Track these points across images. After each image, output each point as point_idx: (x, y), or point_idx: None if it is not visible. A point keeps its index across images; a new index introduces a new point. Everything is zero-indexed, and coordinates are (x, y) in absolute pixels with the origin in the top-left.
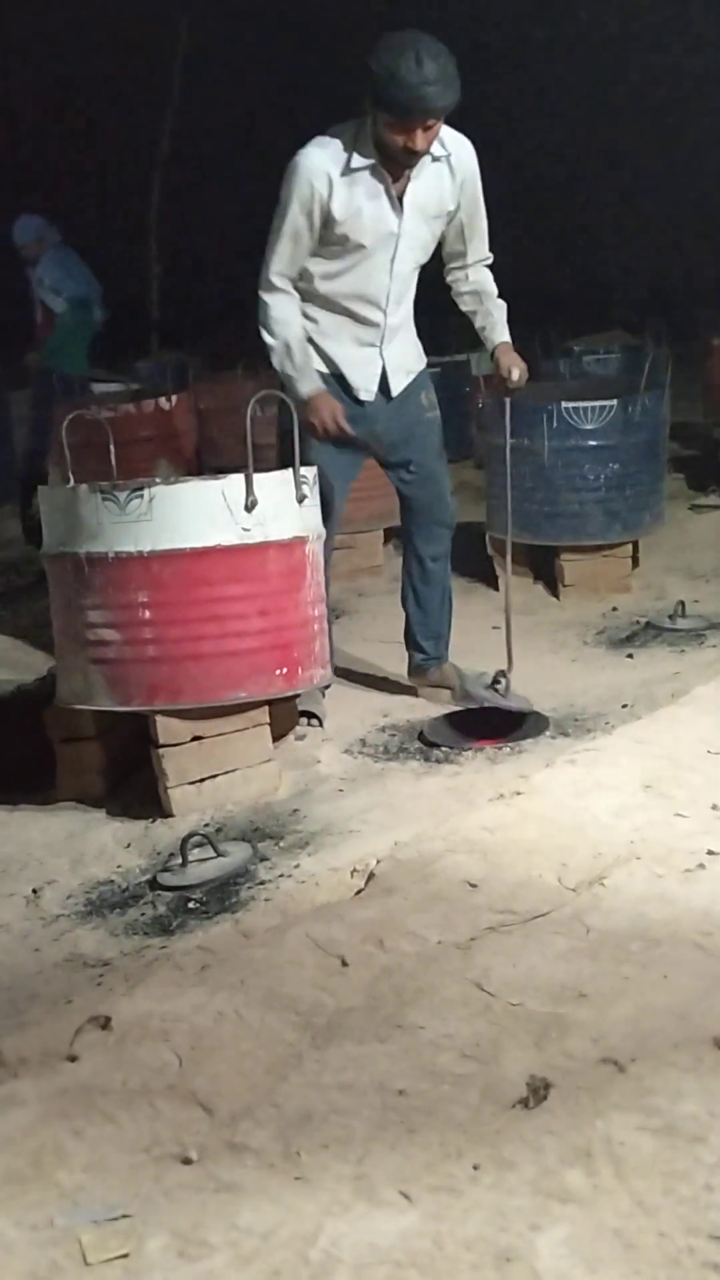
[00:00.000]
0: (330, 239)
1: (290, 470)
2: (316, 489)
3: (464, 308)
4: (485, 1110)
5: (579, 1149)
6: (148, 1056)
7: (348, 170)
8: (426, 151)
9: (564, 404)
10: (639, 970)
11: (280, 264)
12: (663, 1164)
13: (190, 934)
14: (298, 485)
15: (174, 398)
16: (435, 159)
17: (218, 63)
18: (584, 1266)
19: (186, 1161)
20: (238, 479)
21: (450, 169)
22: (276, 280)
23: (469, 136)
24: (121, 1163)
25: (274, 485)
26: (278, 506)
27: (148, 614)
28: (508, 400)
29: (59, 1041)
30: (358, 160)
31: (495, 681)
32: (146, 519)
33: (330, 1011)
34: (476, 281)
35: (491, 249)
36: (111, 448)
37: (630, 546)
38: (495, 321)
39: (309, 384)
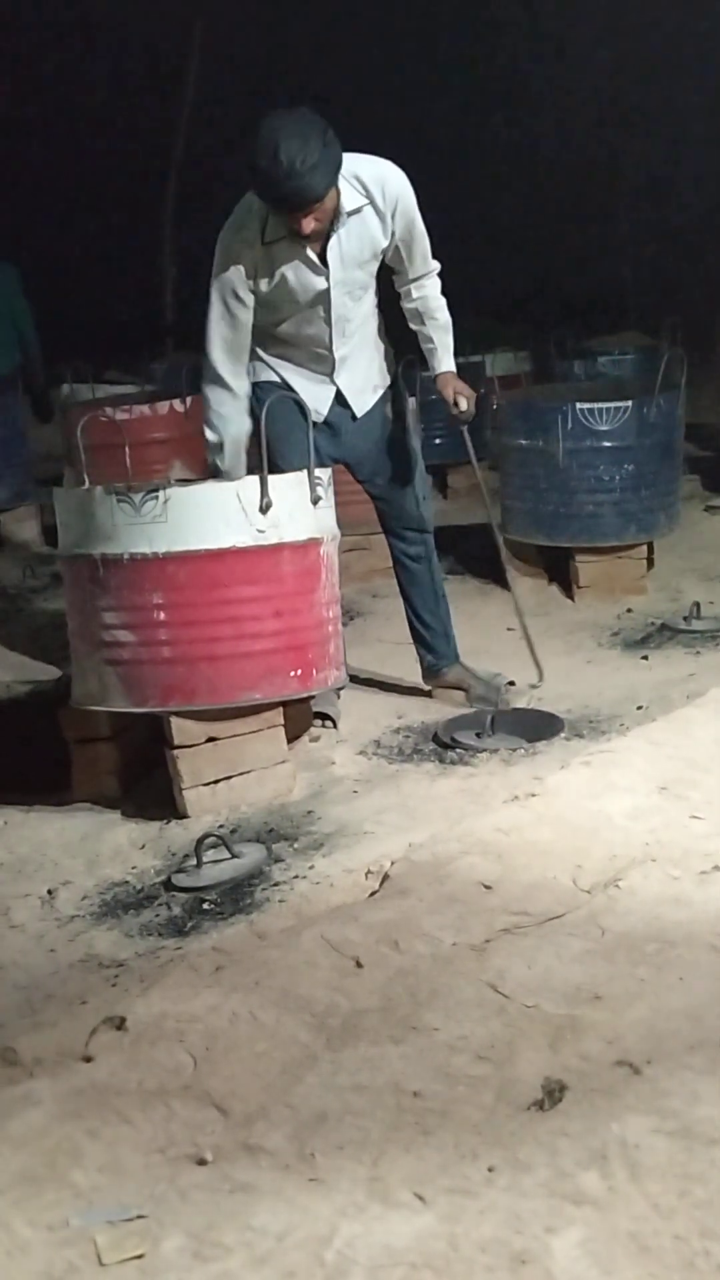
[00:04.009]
0: (264, 303)
1: (304, 472)
2: (331, 491)
3: (410, 324)
4: (500, 1112)
5: (594, 1151)
6: (163, 1057)
7: (265, 245)
8: (320, 230)
9: (579, 405)
10: (654, 972)
11: (221, 351)
12: (678, 1167)
13: (205, 935)
14: (312, 487)
15: (189, 399)
16: (354, 212)
17: (232, 63)
18: (599, 1269)
19: (201, 1162)
20: (252, 481)
21: (377, 211)
22: (221, 371)
23: (486, 135)
24: (137, 1163)
25: (289, 487)
26: (292, 508)
27: (163, 615)
28: (464, 430)
29: (74, 1042)
30: (272, 233)
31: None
32: (161, 520)
33: (345, 1013)
34: (420, 299)
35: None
36: (127, 449)
37: (645, 548)
38: (436, 348)
39: None
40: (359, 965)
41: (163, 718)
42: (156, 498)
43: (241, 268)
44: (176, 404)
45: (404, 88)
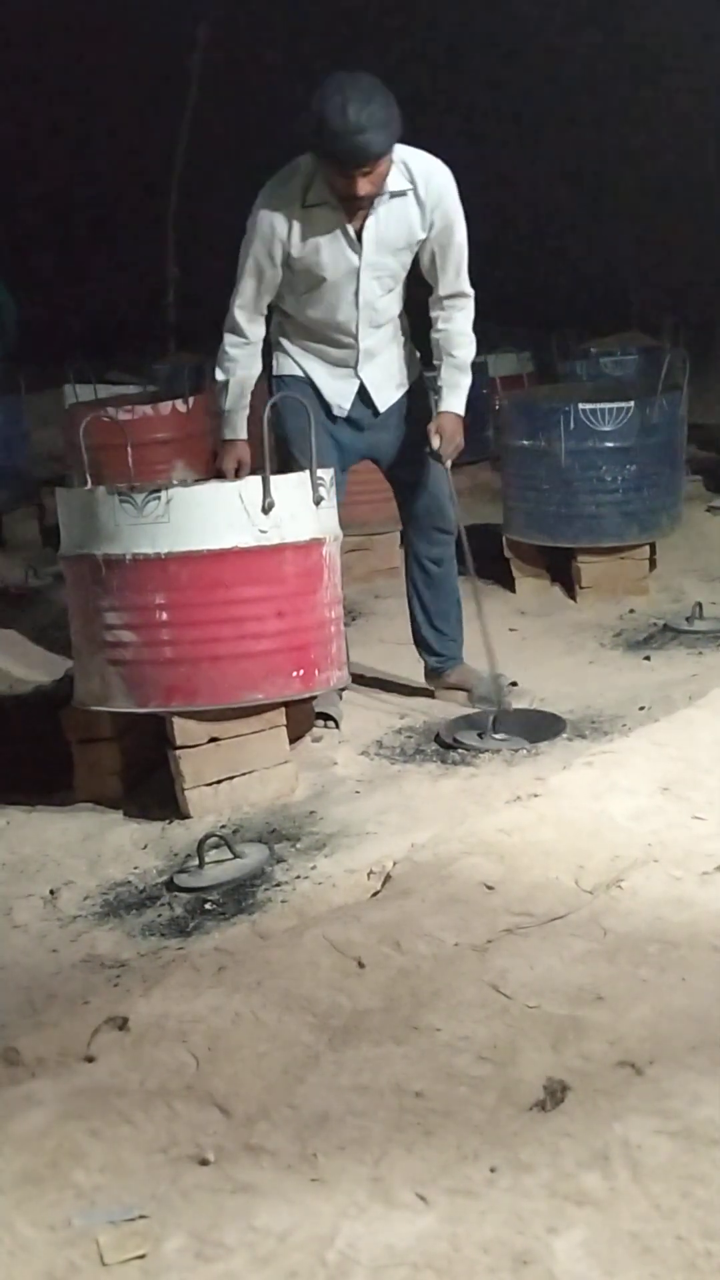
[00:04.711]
0: (294, 272)
1: (307, 472)
2: (334, 491)
3: (433, 359)
4: (502, 1112)
5: (596, 1152)
6: (165, 1057)
7: (305, 208)
8: (372, 194)
9: (581, 405)
10: (657, 973)
11: (243, 300)
12: (680, 1167)
13: (207, 935)
14: (314, 487)
15: (191, 400)
16: (397, 194)
17: (235, 64)
18: (601, 1270)
19: (204, 1162)
20: (255, 481)
21: (418, 201)
22: (238, 316)
23: (492, 135)
24: (139, 1163)
25: (291, 487)
26: (295, 508)
27: (165, 615)
28: (446, 465)
29: (76, 1042)
30: (314, 198)
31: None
32: (164, 521)
33: (347, 1013)
34: (444, 332)
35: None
36: (129, 450)
37: (648, 548)
38: (444, 387)
39: (229, 430)
40: (361, 965)
41: (165, 718)
42: (159, 498)
43: (278, 225)
44: (179, 404)
45: (407, 86)
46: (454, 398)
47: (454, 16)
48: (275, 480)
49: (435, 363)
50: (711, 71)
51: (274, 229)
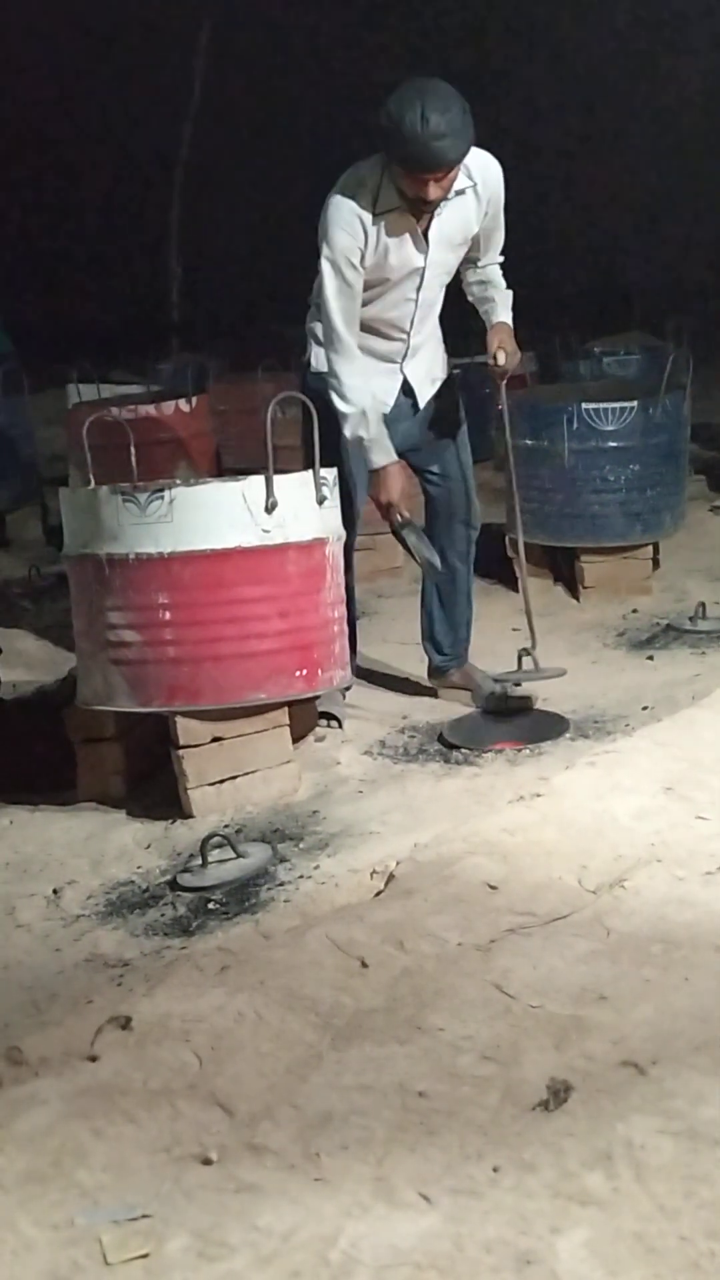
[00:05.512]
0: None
1: (310, 471)
2: (337, 490)
3: (470, 296)
4: (505, 1112)
5: (599, 1152)
6: (168, 1057)
7: (376, 215)
8: (441, 198)
9: (584, 405)
10: (660, 973)
11: (341, 321)
12: (683, 1167)
13: (210, 935)
14: (318, 487)
15: (194, 399)
16: (459, 192)
17: (237, 63)
18: (604, 1270)
19: (206, 1162)
20: (258, 480)
21: (476, 196)
22: (345, 340)
23: (493, 134)
24: (142, 1163)
25: (294, 487)
26: (298, 508)
27: (168, 615)
28: (502, 387)
29: (80, 1041)
30: (384, 204)
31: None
32: (167, 520)
33: (350, 1013)
34: (484, 273)
35: (506, 251)
36: (132, 449)
37: (651, 548)
38: (496, 304)
39: (383, 455)
40: (364, 965)
41: (168, 717)
42: (162, 498)
43: (357, 238)
44: (182, 404)
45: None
46: (506, 312)
47: (453, 17)
48: (278, 480)
49: (475, 294)
50: (712, 67)
51: (355, 243)
